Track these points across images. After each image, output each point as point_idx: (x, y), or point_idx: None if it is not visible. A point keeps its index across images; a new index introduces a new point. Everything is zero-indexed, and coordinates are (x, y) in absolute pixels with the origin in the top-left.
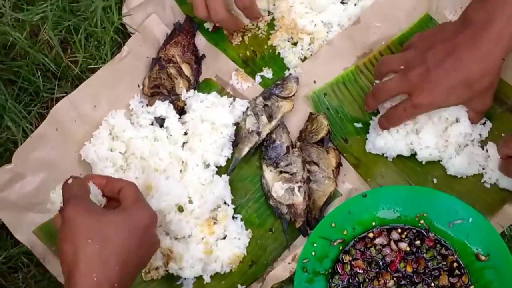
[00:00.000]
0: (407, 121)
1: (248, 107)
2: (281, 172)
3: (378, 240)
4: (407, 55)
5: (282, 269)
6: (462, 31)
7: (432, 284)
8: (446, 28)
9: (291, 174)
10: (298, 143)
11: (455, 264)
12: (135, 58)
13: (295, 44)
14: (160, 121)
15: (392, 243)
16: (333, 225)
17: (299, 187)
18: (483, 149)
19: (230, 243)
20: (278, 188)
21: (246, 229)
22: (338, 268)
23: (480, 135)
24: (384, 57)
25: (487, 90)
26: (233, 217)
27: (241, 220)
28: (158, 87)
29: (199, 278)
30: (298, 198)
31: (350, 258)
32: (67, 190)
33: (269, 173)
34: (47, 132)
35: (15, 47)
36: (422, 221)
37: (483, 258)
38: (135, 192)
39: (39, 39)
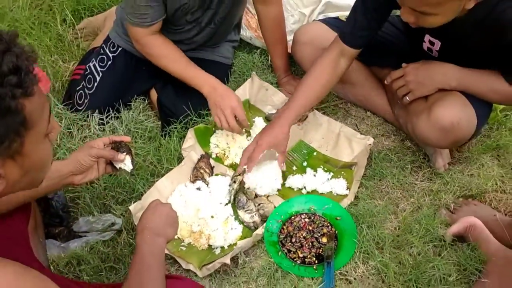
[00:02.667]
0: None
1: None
2: (245, 210)
3: (297, 219)
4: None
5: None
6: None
7: (319, 233)
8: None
9: (249, 210)
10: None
11: (326, 223)
12: (186, 166)
13: None
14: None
15: (302, 219)
16: (276, 213)
17: (254, 214)
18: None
19: (232, 232)
20: (245, 217)
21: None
22: (281, 231)
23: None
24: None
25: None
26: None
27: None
28: (197, 177)
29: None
30: (256, 218)
31: (285, 226)
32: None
33: (240, 212)
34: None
35: None
36: (312, 208)
37: (338, 218)
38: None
39: None
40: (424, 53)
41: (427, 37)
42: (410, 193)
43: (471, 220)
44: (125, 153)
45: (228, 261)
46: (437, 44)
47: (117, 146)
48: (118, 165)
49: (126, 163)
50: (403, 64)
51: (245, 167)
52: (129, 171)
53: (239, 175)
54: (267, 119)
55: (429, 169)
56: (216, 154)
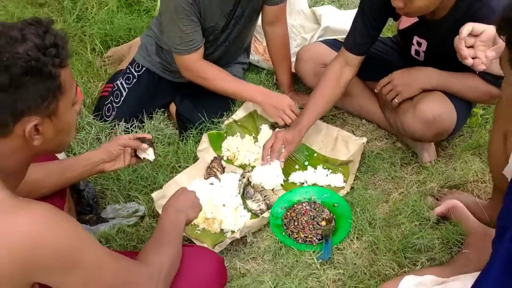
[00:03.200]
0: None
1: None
2: (252, 200)
3: (299, 206)
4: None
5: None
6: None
7: (320, 218)
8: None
9: (256, 200)
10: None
11: (325, 209)
12: (201, 164)
13: None
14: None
15: (303, 206)
16: (280, 201)
17: (261, 203)
18: None
19: (241, 218)
20: (252, 205)
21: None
22: (285, 216)
23: None
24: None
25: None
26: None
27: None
28: (210, 174)
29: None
30: (262, 207)
31: (289, 213)
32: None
33: (248, 201)
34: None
35: None
36: (313, 197)
37: (336, 205)
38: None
39: None
40: (412, 61)
41: (415, 39)
42: (400, 184)
43: (453, 202)
44: (148, 145)
45: (238, 236)
46: (424, 45)
47: (141, 140)
48: (142, 155)
49: (149, 153)
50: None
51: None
52: (151, 161)
53: (248, 172)
54: (272, 126)
55: (417, 164)
56: (227, 156)
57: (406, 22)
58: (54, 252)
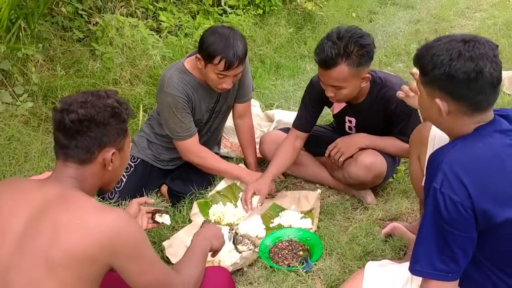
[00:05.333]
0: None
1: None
2: (242, 244)
3: (279, 244)
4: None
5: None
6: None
7: (297, 249)
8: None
9: (245, 244)
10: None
11: (301, 243)
12: (195, 224)
13: None
14: None
15: (283, 243)
16: (265, 242)
17: (249, 245)
18: None
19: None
20: (243, 248)
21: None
22: (270, 252)
23: None
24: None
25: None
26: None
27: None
28: None
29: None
30: (251, 247)
31: (272, 249)
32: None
33: (239, 246)
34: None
35: None
36: (290, 236)
37: (308, 239)
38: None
39: None
40: (347, 135)
41: (347, 118)
42: (354, 220)
43: (394, 224)
44: (164, 213)
45: (239, 262)
46: (354, 121)
47: (157, 210)
48: (160, 220)
49: (165, 218)
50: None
51: (239, 221)
52: (168, 224)
53: (235, 225)
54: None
55: (363, 206)
56: (214, 220)
57: (338, 107)
58: (130, 241)
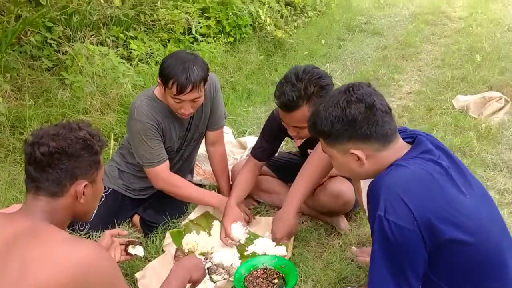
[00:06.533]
0: None
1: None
2: (216, 274)
3: (254, 272)
4: None
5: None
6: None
7: (272, 277)
8: None
9: (219, 273)
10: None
11: (276, 271)
12: (168, 255)
13: None
14: None
15: (258, 271)
16: (240, 269)
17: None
18: None
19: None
20: (217, 278)
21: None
22: (245, 280)
23: None
24: None
25: None
26: None
27: None
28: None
29: None
30: (225, 276)
31: (247, 278)
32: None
33: (213, 275)
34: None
35: None
36: (264, 264)
37: (283, 266)
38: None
39: None
40: None
41: (309, 151)
42: (328, 246)
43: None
44: (138, 244)
45: None
46: None
47: (130, 242)
48: (133, 252)
49: (139, 250)
50: None
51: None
52: (141, 256)
53: (209, 254)
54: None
55: (337, 232)
56: (188, 249)
57: (300, 141)
58: (103, 275)
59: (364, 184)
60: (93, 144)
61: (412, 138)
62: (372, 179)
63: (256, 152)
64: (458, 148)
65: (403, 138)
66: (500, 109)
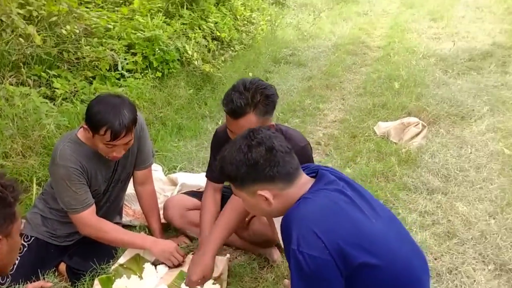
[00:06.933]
0: None
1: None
2: None
3: None
4: None
5: None
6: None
7: None
8: None
9: None
10: None
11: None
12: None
13: None
14: None
15: None
16: None
17: None
18: None
19: None
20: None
21: None
22: None
23: None
24: None
25: None
26: None
27: None
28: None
29: None
30: None
31: None
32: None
33: None
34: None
35: None
36: None
37: None
38: None
39: None
40: None
41: None
42: (261, 280)
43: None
44: None
45: None
46: None
47: None
48: None
49: None
50: None
51: None
52: None
53: None
54: (153, 264)
55: (269, 265)
56: None
57: None
58: None
59: (277, 222)
60: (6, 196)
61: (315, 172)
62: (283, 216)
63: (212, 173)
64: (381, 174)
65: (307, 174)
66: (418, 134)
